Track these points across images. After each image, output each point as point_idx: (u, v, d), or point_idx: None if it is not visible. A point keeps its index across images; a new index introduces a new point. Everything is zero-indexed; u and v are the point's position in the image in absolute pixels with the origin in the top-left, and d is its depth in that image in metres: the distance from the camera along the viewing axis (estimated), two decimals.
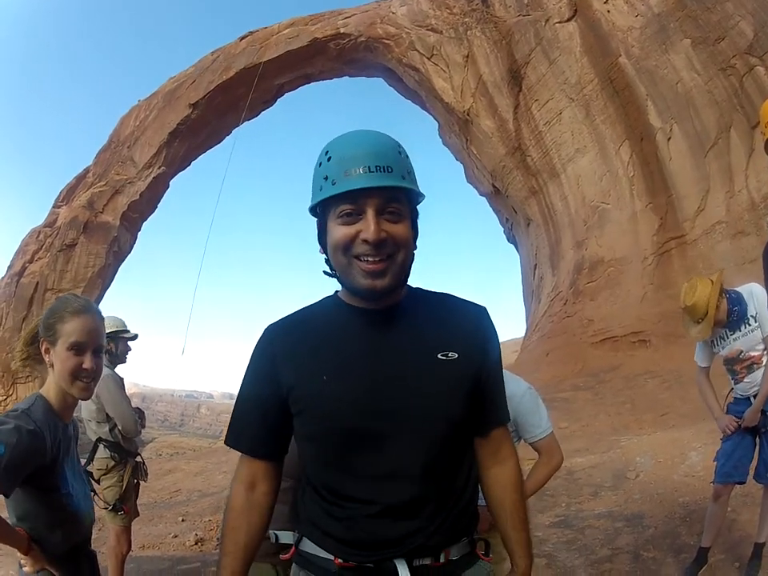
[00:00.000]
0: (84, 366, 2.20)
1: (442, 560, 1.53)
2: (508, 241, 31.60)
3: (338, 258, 1.48)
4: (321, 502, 1.56)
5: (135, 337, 5.35)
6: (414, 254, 1.56)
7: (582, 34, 20.43)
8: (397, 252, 1.46)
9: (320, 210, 1.53)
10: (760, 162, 15.47)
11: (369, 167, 1.41)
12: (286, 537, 1.74)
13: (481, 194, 30.00)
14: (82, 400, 2.31)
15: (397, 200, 1.46)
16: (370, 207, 1.43)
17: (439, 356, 1.54)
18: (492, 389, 1.67)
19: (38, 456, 2.05)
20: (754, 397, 4.33)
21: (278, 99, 32.83)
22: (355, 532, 1.50)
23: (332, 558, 1.51)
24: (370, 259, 1.44)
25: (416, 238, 1.57)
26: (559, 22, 21.04)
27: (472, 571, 1.61)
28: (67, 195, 34.37)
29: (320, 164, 1.49)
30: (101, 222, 31.64)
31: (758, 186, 15.67)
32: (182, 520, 8.31)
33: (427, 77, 25.75)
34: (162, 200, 34.63)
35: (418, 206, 1.59)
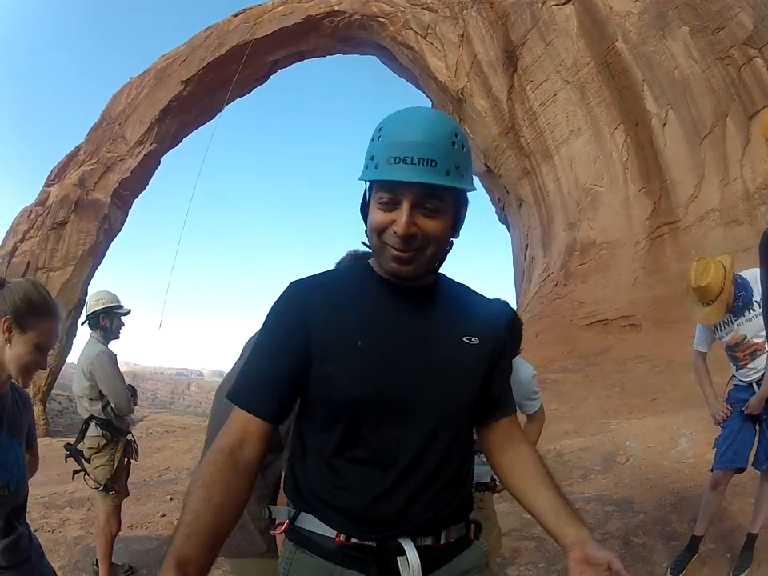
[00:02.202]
0: (41, 365, 2.26)
1: (442, 541, 1.53)
2: (500, 221, 31.38)
3: (373, 239, 1.49)
4: (329, 474, 1.52)
5: (128, 312, 5.30)
6: (451, 242, 1.58)
7: (579, 18, 20.15)
8: (426, 246, 1.46)
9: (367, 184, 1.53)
10: (756, 152, 15.45)
11: (412, 157, 1.37)
12: (281, 513, 1.60)
13: (473, 174, 29.50)
14: (21, 385, 2.35)
15: (436, 196, 1.42)
16: (407, 200, 1.41)
17: (464, 339, 1.58)
18: (505, 380, 1.75)
19: None
20: (757, 383, 4.31)
21: (272, 76, 32.60)
22: (365, 504, 1.47)
23: (333, 535, 1.47)
24: (397, 247, 1.44)
25: (458, 227, 1.57)
26: (556, 5, 20.75)
27: (469, 551, 1.62)
28: (59, 173, 34.28)
29: (372, 139, 1.47)
30: (92, 200, 31.53)
31: (753, 176, 15.61)
32: (171, 499, 8.20)
33: (421, 55, 25.53)
34: (152, 176, 34.49)
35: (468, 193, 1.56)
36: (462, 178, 1.46)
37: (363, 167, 1.48)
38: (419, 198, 1.41)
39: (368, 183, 1.52)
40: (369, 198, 1.52)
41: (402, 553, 1.45)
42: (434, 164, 1.38)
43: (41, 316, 2.22)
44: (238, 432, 1.49)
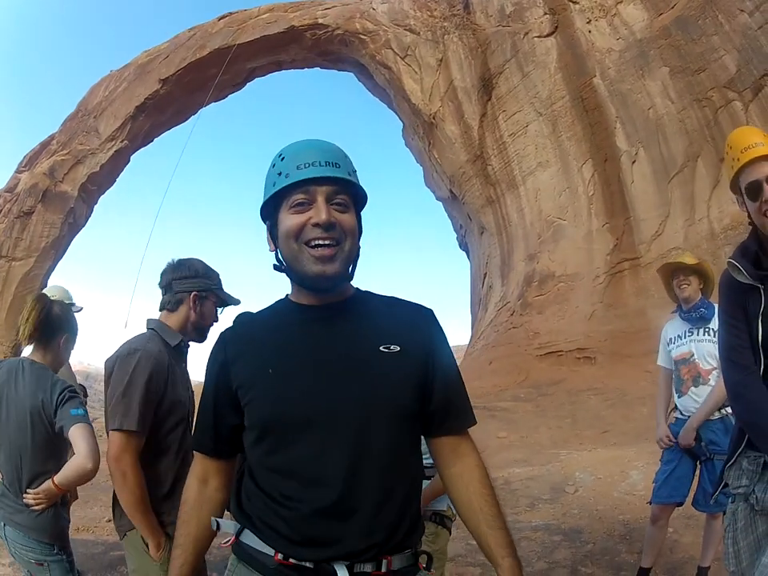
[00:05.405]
0: None
1: (383, 569, 1.45)
2: (460, 247, 31.26)
3: (290, 246, 1.50)
4: (267, 494, 1.49)
5: (80, 310, 4.89)
6: (359, 249, 1.59)
7: (560, 51, 20.07)
8: (344, 239, 1.50)
9: (272, 206, 1.55)
10: (725, 193, 15.26)
11: (319, 161, 1.47)
12: (228, 526, 1.58)
13: (437, 199, 29.52)
14: None
15: (344, 192, 1.51)
16: (321, 195, 1.48)
17: (381, 348, 1.53)
18: (450, 390, 1.63)
19: None
20: None
21: (248, 83, 31.90)
22: (300, 525, 1.43)
23: (272, 553, 1.44)
24: (320, 242, 1.46)
25: (360, 235, 1.59)
26: (538, 37, 20.61)
27: None
28: (30, 161, 33.03)
29: (273, 165, 1.54)
30: (59, 192, 30.35)
31: (720, 216, 15.51)
32: None
33: (398, 76, 25.04)
34: (121, 174, 33.42)
35: (362, 212, 1.63)
36: (359, 183, 1.57)
37: (269, 188, 1.54)
38: (331, 193, 1.49)
39: (272, 207, 1.56)
40: (277, 219, 1.54)
41: None
42: (337, 166, 1.50)
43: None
44: (200, 471, 1.69)
